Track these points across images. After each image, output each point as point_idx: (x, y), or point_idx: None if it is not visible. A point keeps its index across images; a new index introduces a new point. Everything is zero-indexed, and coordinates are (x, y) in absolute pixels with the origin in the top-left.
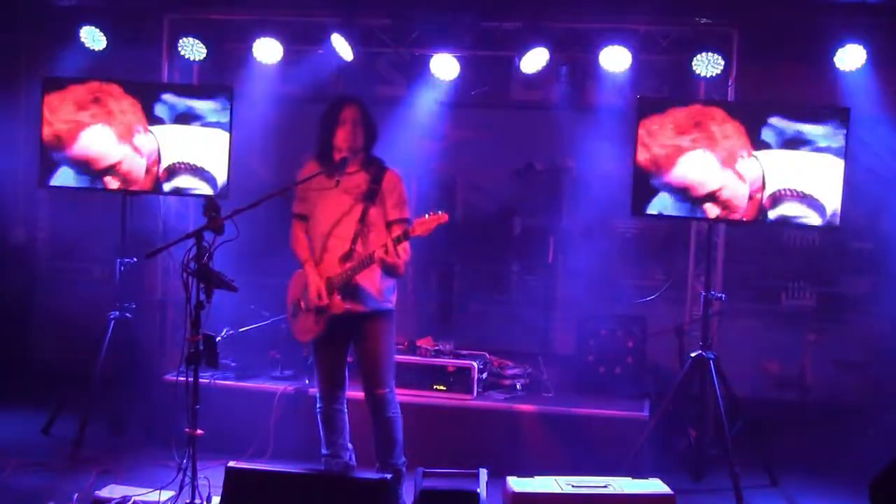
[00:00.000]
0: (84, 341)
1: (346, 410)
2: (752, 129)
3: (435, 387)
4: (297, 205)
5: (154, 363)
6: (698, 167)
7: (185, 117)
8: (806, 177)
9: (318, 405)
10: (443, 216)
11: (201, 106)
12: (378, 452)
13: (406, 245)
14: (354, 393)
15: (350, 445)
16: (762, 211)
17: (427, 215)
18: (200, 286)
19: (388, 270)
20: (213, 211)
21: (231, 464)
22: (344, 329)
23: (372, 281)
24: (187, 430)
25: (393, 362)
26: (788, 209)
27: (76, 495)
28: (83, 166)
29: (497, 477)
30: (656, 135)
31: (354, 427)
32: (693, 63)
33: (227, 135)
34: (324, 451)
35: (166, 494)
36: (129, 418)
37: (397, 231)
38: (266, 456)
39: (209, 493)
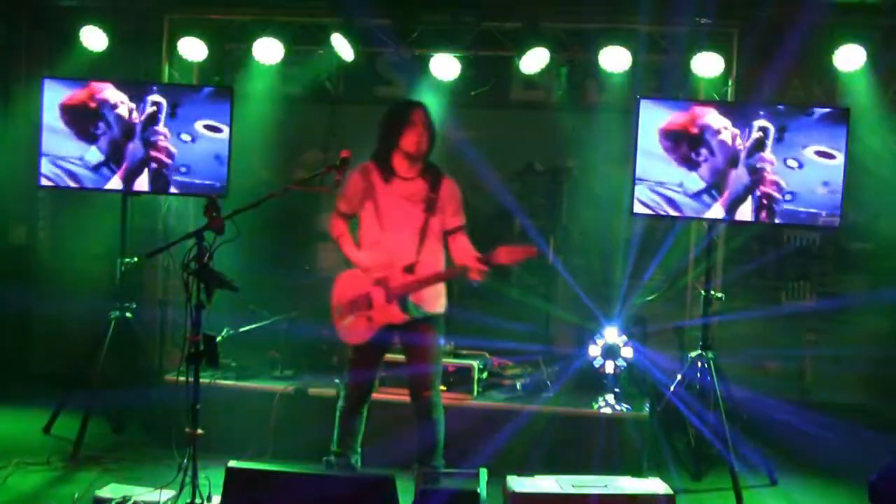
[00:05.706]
0: (84, 341)
1: (366, 414)
2: None
3: None
4: (343, 203)
5: (154, 363)
6: None
7: None
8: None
9: (340, 403)
10: (531, 249)
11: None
12: (419, 453)
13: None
14: (382, 395)
15: (360, 450)
16: None
17: (517, 246)
18: (201, 286)
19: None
20: (214, 211)
21: (231, 464)
22: (395, 334)
23: (430, 287)
24: (187, 429)
25: (441, 366)
26: None
27: (76, 495)
28: None
29: (497, 477)
30: None
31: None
32: (693, 63)
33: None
34: (333, 448)
35: (167, 494)
36: (130, 418)
37: (462, 242)
38: (266, 456)
39: (209, 493)
